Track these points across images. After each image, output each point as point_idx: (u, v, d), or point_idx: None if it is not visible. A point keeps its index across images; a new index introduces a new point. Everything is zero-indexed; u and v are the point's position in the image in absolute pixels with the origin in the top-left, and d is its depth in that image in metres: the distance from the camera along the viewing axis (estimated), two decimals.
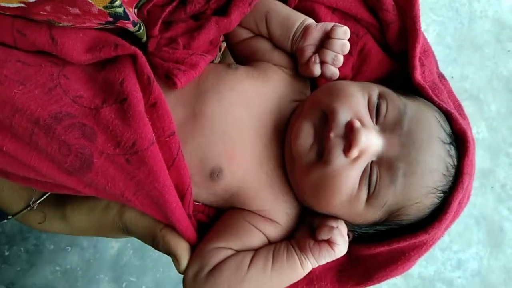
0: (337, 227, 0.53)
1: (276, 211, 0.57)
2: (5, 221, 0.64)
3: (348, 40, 0.58)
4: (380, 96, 0.54)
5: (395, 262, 0.56)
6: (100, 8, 0.47)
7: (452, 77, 1.42)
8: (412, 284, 1.36)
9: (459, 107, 0.61)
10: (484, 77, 1.43)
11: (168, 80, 0.55)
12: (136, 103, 0.50)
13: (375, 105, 0.53)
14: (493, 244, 1.39)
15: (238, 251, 0.55)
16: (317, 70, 0.58)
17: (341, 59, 0.58)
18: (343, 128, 0.51)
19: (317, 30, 0.59)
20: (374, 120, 0.53)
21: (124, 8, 0.49)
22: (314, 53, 0.59)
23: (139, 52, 0.54)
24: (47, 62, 0.52)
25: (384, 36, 0.62)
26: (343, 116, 0.52)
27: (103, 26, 0.52)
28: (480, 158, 1.41)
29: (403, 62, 0.60)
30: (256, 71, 0.61)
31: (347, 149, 0.50)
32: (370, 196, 0.52)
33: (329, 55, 0.58)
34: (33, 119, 0.47)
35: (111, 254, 1.15)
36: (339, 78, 0.60)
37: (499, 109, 1.43)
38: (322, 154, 0.52)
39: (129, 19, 0.51)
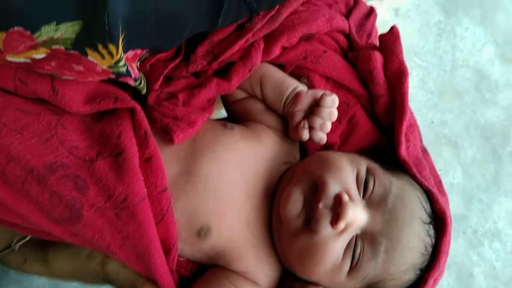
0: None
1: (259, 273, 0.58)
2: None
3: (339, 108, 0.60)
4: (368, 171, 0.56)
5: None
6: (104, 67, 0.47)
7: (432, 122, 1.45)
8: None
9: (439, 183, 0.63)
10: (463, 124, 1.48)
11: (166, 136, 0.56)
12: (131, 158, 0.50)
13: (363, 180, 0.55)
14: None
15: None
16: (305, 135, 0.60)
17: (328, 125, 0.60)
18: (332, 200, 0.53)
19: (307, 97, 0.61)
20: (361, 194, 0.55)
21: (127, 67, 0.49)
22: (303, 118, 0.61)
23: (138, 107, 0.54)
24: (46, 111, 0.52)
25: (373, 107, 0.65)
26: (333, 188, 0.53)
27: (104, 80, 0.52)
28: (454, 203, 1.45)
29: (390, 134, 0.62)
30: (250, 132, 0.62)
31: (334, 221, 0.52)
32: (352, 268, 0.53)
33: (317, 122, 0.60)
34: (27, 168, 0.47)
35: None
36: (328, 145, 0.62)
37: (475, 156, 1.47)
38: (309, 222, 0.53)
39: (130, 76, 0.51)
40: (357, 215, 0.52)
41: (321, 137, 0.60)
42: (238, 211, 0.57)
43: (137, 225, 0.50)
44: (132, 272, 0.56)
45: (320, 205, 0.53)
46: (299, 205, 0.54)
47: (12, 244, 0.60)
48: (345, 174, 0.55)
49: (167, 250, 0.53)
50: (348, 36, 0.69)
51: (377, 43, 0.70)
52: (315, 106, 0.60)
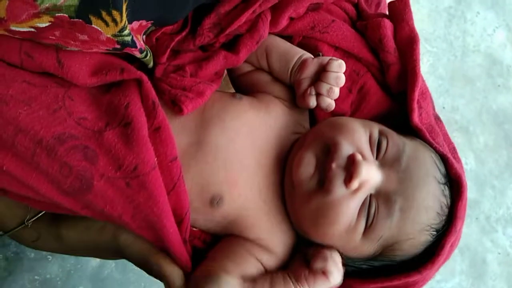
0: (331, 257, 0.54)
1: (273, 240, 0.58)
2: None
3: (349, 78, 0.60)
4: (381, 133, 0.55)
5: None
6: (108, 36, 0.47)
7: (444, 108, 1.44)
8: None
9: (453, 150, 0.63)
10: (474, 110, 1.46)
11: (175, 106, 0.56)
12: (140, 128, 0.50)
13: (376, 141, 0.55)
14: (475, 275, 1.40)
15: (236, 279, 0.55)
16: (312, 101, 0.60)
17: (336, 91, 0.59)
18: (345, 160, 0.52)
19: (313, 64, 0.61)
20: (375, 155, 0.54)
21: (132, 37, 0.49)
22: (310, 85, 0.60)
23: (145, 77, 0.54)
24: (53, 83, 0.52)
25: (384, 76, 0.64)
26: (346, 149, 0.53)
27: (110, 52, 0.52)
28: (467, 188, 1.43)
29: (402, 102, 0.61)
30: (258, 102, 0.62)
31: (348, 180, 0.51)
32: (367, 228, 0.53)
33: (324, 87, 0.59)
34: (36, 140, 0.47)
35: (92, 266, 1.12)
36: (338, 114, 0.62)
37: (487, 142, 1.45)
38: (323, 183, 0.53)
39: (136, 47, 0.51)
40: (370, 174, 0.52)
41: (329, 103, 0.60)
42: (250, 180, 0.57)
43: (148, 194, 0.50)
44: (144, 244, 0.56)
45: (333, 165, 0.52)
46: (312, 167, 0.54)
47: (26, 221, 0.60)
48: (358, 135, 0.54)
49: (180, 220, 0.53)
50: (356, 5, 0.68)
51: (387, 13, 0.68)
52: (321, 72, 0.60)
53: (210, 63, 0.60)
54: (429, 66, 1.48)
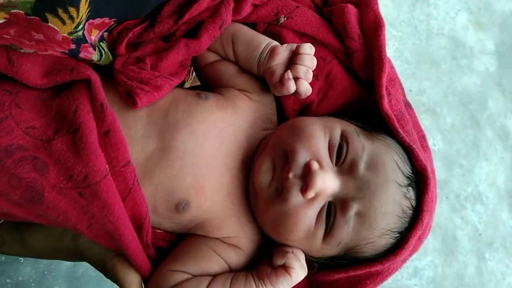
0: (293, 253, 0.54)
1: (241, 238, 0.58)
2: None
3: (316, 65, 0.59)
4: (342, 137, 0.55)
5: None
6: (64, 35, 0.46)
7: (411, 91, 1.47)
8: None
9: (422, 138, 0.62)
10: (440, 92, 1.50)
11: (129, 99, 0.54)
12: (88, 134, 0.48)
13: (336, 146, 0.54)
14: (447, 252, 1.44)
15: (194, 276, 0.55)
16: (292, 86, 0.58)
17: (311, 73, 0.58)
18: (301, 169, 0.52)
19: (284, 50, 0.60)
20: (334, 161, 0.54)
21: (83, 30, 0.47)
22: (285, 71, 0.59)
23: (94, 77, 0.52)
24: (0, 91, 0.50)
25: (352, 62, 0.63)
26: (302, 156, 0.53)
27: (65, 55, 0.50)
28: (436, 169, 1.46)
29: (371, 89, 0.61)
30: (225, 100, 0.60)
31: (304, 190, 0.51)
32: (326, 234, 0.53)
33: (301, 70, 0.58)
34: None
35: (66, 265, 1.10)
36: (306, 103, 0.61)
37: (454, 122, 1.49)
38: (281, 191, 0.53)
39: (87, 42, 0.50)
40: (326, 183, 0.51)
41: (307, 87, 0.58)
42: (217, 183, 0.56)
43: (102, 203, 0.48)
44: (102, 249, 0.55)
45: (290, 175, 0.52)
46: (270, 174, 0.54)
47: None
48: (316, 141, 0.54)
49: (139, 225, 0.52)
50: None
51: None
52: (294, 56, 0.59)
53: (171, 52, 0.58)
54: (395, 50, 1.50)
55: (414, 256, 1.46)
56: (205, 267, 0.55)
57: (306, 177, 0.51)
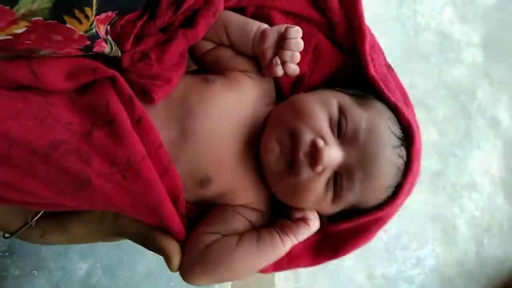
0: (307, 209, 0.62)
1: (259, 201, 0.64)
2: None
3: (303, 39, 0.63)
4: (340, 111, 0.60)
5: (358, 235, 0.64)
6: (81, 33, 0.49)
7: None
8: (376, 283, 1.42)
9: (404, 96, 0.69)
10: (431, 85, 1.54)
11: (145, 97, 0.58)
12: (123, 122, 0.53)
13: (336, 122, 0.60)
14: (447, 241, 1.48)
15: (224, 236, 0.61)
16: (280, 71, 0.63)
17: (298, 56, 0.63)
18: (308, 147, 0.58)
19: (272, 33, 0.64)
20: (336, 134, 0.59)
21: (95, 26, 0.51)
22: (274, 54, 0.64)
23: (117, 74, 0.56)
24: (31, 93, 0.53)
25: (334, 33, 0.68)
26: (308, 136, 0.58)
27: (82, 50, 0.53)
28: (431, 160, 1.51)
29: (354, 56, 0.66)
30: (230, 81, 0.65)
31: (313, 165, 0.57)
32: (334, 199, 0.60)
33: (287, 55, 0.62)
34: (30, 150, 0.49)
35: (80, 275, 1.13)
36: (299, 75, 0.66)
37: (446, 114, 1.53)
38: (291, 166, 0.59)
39: (100, 37, 0.53)
40: (332, 156, 0.57)
41: (294, 68, 0.63)
42: (234, 159, 0.62)
43: (144, 181, 0.53)
44: (141, 224, 0.60)
45: (300, 154, 0.58)
46: (277, 152, 0.59)
47: (29, 220, 0.62)
48: (318, 120, 0.59)
49: (175, 199, 0.57)
50: None
51: None
52: (282, 41, 0.63)
53: (173, 43, 0.62)
54: (385, 47, 1.54)
55: (416, 245, 1.50)
56: (232, 227, 0.62)
57: (314, 154, 0.57)
